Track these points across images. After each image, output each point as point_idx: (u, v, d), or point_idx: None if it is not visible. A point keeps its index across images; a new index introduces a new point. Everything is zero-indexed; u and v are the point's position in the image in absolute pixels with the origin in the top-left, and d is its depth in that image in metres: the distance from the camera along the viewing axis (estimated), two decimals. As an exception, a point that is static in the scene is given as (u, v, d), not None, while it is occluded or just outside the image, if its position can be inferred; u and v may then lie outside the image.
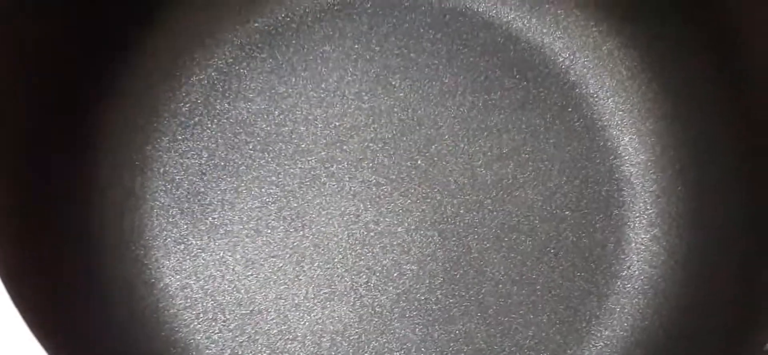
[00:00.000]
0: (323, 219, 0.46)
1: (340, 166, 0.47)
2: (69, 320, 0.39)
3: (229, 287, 0.45)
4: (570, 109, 0.48)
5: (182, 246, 0.46)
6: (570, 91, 0.48)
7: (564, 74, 0.49)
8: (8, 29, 0.38)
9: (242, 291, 0.45)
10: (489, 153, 0.47)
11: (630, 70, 0.48)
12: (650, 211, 0.47)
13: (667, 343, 0.45)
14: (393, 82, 0.48)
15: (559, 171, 0.47)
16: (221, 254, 0.46)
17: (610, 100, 0.49)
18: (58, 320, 0.37)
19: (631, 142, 0.48)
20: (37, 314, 0.35)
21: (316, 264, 0.46)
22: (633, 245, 0.47)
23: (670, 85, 0.48)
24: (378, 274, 0.46)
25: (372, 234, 0.46)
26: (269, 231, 0.46)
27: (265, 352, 0.45)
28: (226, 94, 0.48)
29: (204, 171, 0.47)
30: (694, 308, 0.45)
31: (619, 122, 0.48)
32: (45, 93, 0.41)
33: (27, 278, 0.36)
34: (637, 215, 0.47)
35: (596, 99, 0.49)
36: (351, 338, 0.45)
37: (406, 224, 0.47)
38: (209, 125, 0.47)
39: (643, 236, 0.47)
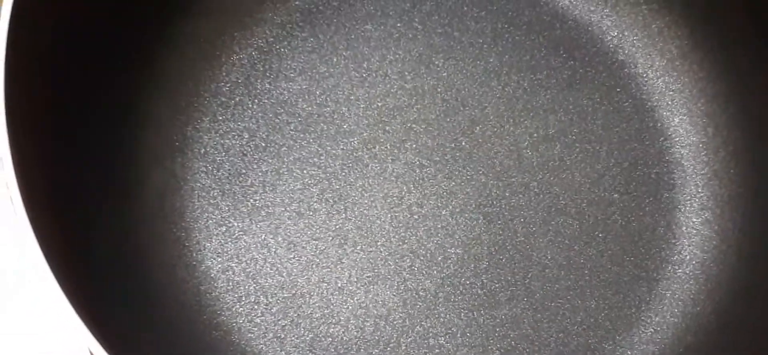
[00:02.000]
0: (366, 201, 0.46)
1: (382, 148, 0.46)
2: (110, 303, 0.39)
3: (271, 269, 0.45)
4: (619, 89, 0.47)
5: (224, 228, 0.45)
6: (619, 70, 0.48)
7: (612, 53, 0.48)
8: (51, 8, 0.38)
9: (284, 274, 0.45)
10: (535, 134, 0.47)
11: (680, 49, 0.48)
12: (702, 194, 0.46)
13: (719, 329, 0.44)
14: (436, 62, 0.47)
15: (608, 153, 0.47)
16: (263, 237, 0.45)
17: (659, 80, 0.48)
18: (99, 304, 0.37)
19: (682, 123, 0.47)
20: (79, 298, 0.34)
21: (359, 247, 0.45)
22: (684, 228, 0.46)
23: (722, 65, 0.47)
24: (422, 258, 0.45)
25: (416, 217, 0.46)
26: (311, 213, 0.45)
27: (307, 336, 0.44)
28: (267, 74, 0.47)
29: (245, 152, 0.46)
30: (746, 294, 0.44)
31: (670, 103, 0.47)
32: (85, 75, 0.41)
33: (68, 261, 0.36)
34: (688, 198, 0.46)
35: (646, 79, 0.48)
36: (395, 322, 0.44)
37: (451, 207, 0.46)
38: (250, 106, 0.47)
39: (694, 220, 0.46)
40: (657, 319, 0.45)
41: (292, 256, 0.45)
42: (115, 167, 0.43)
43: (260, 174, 0.46)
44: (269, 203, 0.46)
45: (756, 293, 0.44)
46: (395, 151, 0.46)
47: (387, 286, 0.45)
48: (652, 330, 0.45)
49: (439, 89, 0.47)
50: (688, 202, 0.47)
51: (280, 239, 0.45)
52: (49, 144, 0.39)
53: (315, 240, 0.45)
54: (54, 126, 0.39)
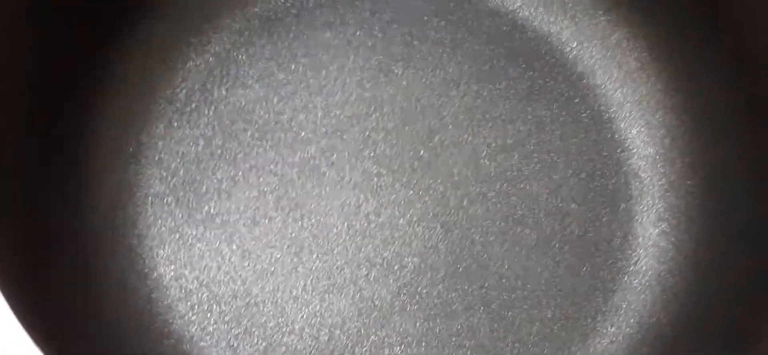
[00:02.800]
0: (322, 210, 0.45)
1: (340, 156, 0.46)
2: (59, 310, 0.38)
3: (224, 277, 0.44)
4: (577, 101, 0.47)
5: (177, 236, 0.45)
6: (577, 81, 0.48)
7: (571, 64, 0.48)
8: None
9: (238, 282, 0.44)
10: (493, 144, 0.47)
11: (639, 60, 0.48)
12: (658, 205, 0.47)
13: (674, 340, 0.44)
14: (395, 71, 0.47)
15: (566, 163, 0.46)
16: (217, 244, 0.45)
17: (618, 92, 0.48)
18: (46, 310, 0.36)
19: (640, 134, 0.47)
20: (24, 305, 0.34)
21: (315, 256, 0.45)
22: (640, 239, 0.46)
23: (680, 77, 0.47)
24: (378, 266, 0.45)
25: (373, 226, 0.45)
26: (267, 221, 0.45)
27: (261, 345, 0.44)
28: (224, 81, 0.47)
29: (200, 159, 0.46)
30: (702, 305, 0.44)
31: (628, 114, 0.47)
32: (35, 76, 0.40)
33: (14, 267, 0.35)
34: (645, 209, 0.46)
35: (604, 90, 0.48)
36: (350, 331, 0.44)
37: (408, 216, 0.46)
38: (206, 112, 0.46)
39: (651, 231, 0.46)
40: (612, 330, 0.45)
41: (246, 264, 0.45)
42: (66, 173, 0.43)
43: (215, 181, 0.45)
44: (224, 211, 0.45)
45: (711, 305, 0.44)
46: (353, 159, 0.46)
47: (342, 295, 0.45)
48: (607, 341, 0.45)
49: (397, 98, 0.47)
50: (645, 213, 0.46)
51: (234, 246, 0.45)
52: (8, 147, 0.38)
53: (270, 248, 0.45)
54: (1, 131, 0.38)
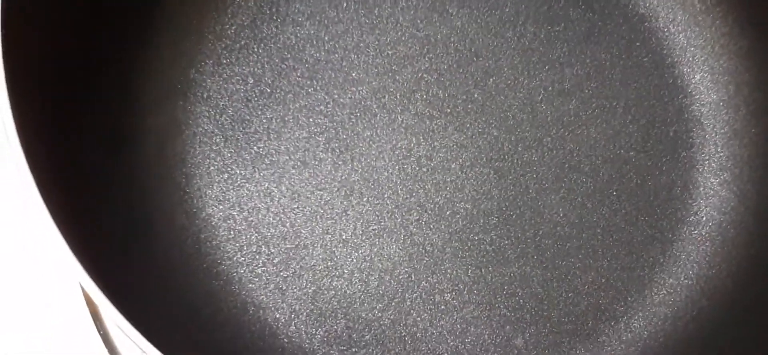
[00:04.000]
0: (373, 152, 0.44)
1: (392, 98, 0.45)
2: (108, 248, 0.38)
3: (273, 219, 0.44)
4: (638, 44, 0.46)
5: (226, 175, 0.44)
6: (639, 24, 0.46)
7: (633, 6, 0.46)
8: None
9: (287, 224, 0.44)
10: (550, 88, 0.45)
11: (703, 3, 0.46)
12: (721, 154, 0.45)
13: (734, 293, 0.43)
14: (450, 10, 0.46)
15: (625, 109, 0.45)
16: (266, 185, 0.44)
17: (681, 35, 0.46)
18: (98, 248, 0.36)
19: (703, 80, 0.46)
20: (78, 241, 0.33)
21: (365, 199, 0.44)
22: (701, 189, 0.45)
23: (746, 21, 0.45)
24: (430, 211, 0.44)
25: (424, 170, 0.44)
26: (316, 163, 0.44)
27: (310, 288, 0.43)
28: (274, 18, 0.45)
29: (249, 98, 0.45)
30: (763, 257, 0.43)
31: (691, 59, 0.46)
32: (86, 17, 0.39)
33: (67, 206, 0.35)
34: (707, 157, 0.45)
35: (666, 34, 0.46)
36: (400, 277, 0.43)
37: (461, 161, 0.44)
38: (255, 50, 0.45)
39: (712, 181, 0.45)
40: (670, 281, 0.44)
41: (295, 206, 0.44)
42: (116, 111, 0.42)
43: (265, 121, 0.45)
44: (273, 151, 0.44)
45: (774, 257, 0.43)
46: (405, 101, 0.45)
47: (393, 239, 0.44)
48: (664, 292, 0.44)
49: (452, 39, 0.46)
50: (707, 162, 0.45)
51: (283, 188, 0.44)
52: (49, 89, 0.38)
53: (320, 191, 0.44)
54: (54, 71, 0.38)
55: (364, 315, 0.43)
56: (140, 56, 0.43)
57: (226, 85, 0.45)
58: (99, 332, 0.43)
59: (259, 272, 0.43)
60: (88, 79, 0.40)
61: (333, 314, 0.43)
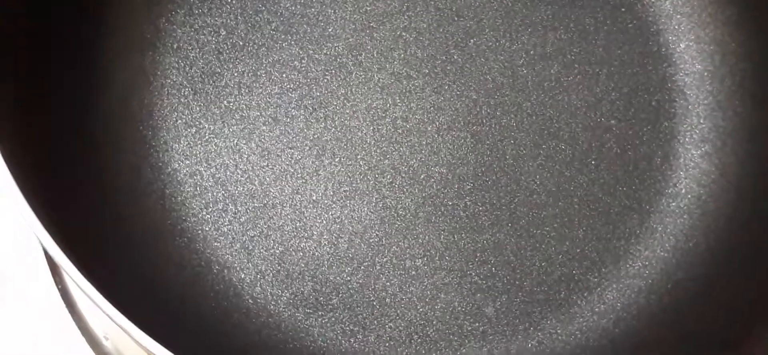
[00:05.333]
0: (347, 111, 0.43)
1: (368, 55, 0.44)
2: (69, 200, 0.37)
3: (242, 177, 0.43)
4: (623, 10, 0.45)
5: (194, 130, 0.43)
6: (625, -12, 0.45)
7: (619, -30, 0.45)
8: None
9: (256, 183, 0.43)
10: (532, 51, 0.44)
11: (692, -31, 0.45)
12: (703, 125, 0.45)
13: (712, 267, 0.43)
14: (431, -33, 0.45)
15: (607, 76, 0.44)
16: (235, 141, 0.43)
17: (667, 2, 0.45)
18: (58, 200, 0.35)
19: (688, 49, 0.45)
20: (37, 190, 0.33)
21: (337, 159, 0.43)
22: (681, 160, 0.44)
23: (736, -11, 0.44)
24: (403, 174, 0.43)
25: (399, 131, 0.43)
26: (288, 120, 0.43)
27: (277, 249, 0.42)
28: (249, -32, 0.44)
29: (221, 50, 0.44)
30: (743, 232, 0.43)
31: (677, 27, 0.45)
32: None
33: (28, 155, 0.34)
34: (689, 129, 0.45)
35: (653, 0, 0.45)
36: (370, 240, 0.42)
37: (437, 123, 0.44)
38: (229, 0, 0.44)
39: (693, 152, 0.44)
40: (646, 253, 0.43)
41: (265, 164, 0.43)
42: (82, 59, 0.41)
43: (236, 75, 0.44)
44: (244, 106, 0.43)
45: (752, 231, 0.42)
46: (382, 59, 0.44)
47: (365, 202, 0.43)
48: (640, 264, 0.43)
49: (432, -3, 0.45)
50: (689, 133, 0.45)
51: (253, 145, 0.43)
52: (15, 30, 0.36)
53: (290, 149, 0.43)
54: (18, 15, 0.36)
55: (332, 278, 0.42)
56: (108, 4, 0.42)
57: (197, 36, 0.44)
58: (57, 286, 0.42)
59: (225, 230, 0.42)
60: (54, 24, 0.39)
61: (300, 276, 0.42)
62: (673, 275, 0.43)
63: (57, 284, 0.42)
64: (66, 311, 0.42)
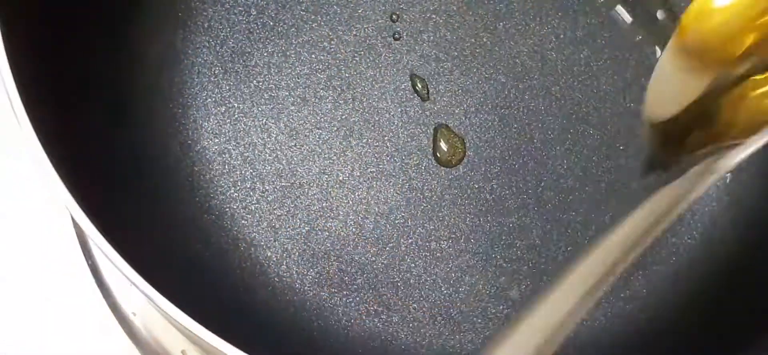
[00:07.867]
0: (376, 93, 0.43)
1: (397, 37, 0.44)
2: (99, 175, 0.37)
3: (270, 156, 0.43)
4: (656, -5, 0.45)
5: (223, 108, 0.43)
6: (657, -26, 0.45)
7: (652, -44, 0.45)
8: None
9: (284, 162, 0.43)
10: (562, 35, 0.44)
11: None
12: (734, 113, 0.44)
13: (739, 254, 0.43)
14: (462, -51, 0.45)
15: (637, 62, 0.44)
16: (264, 121, 0.43)
17: (699, -12, 0.44)
18: (89, 175, 0.35)
19: (719, 35, 0.44)
20: (67, 167, 0.33)
21: (364, 140, 0.43)
22: (712, 147, 0.43)
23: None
24: (430, 156, 0.43)
25: (427, 113, 0.43)
26: (317, 100, 0.43)
27: (303, 228, 0.42)
28: (280, -52, 0.44)
29: (251, 30, 0.44)
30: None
31: (709, 13, 0.44)
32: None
33: (60, 131, 0.34)
34: (719, 116, 0.44)
35: (686, -14, 0.45)
36: (396, 221, 0.43)
37: (465, 106, 0.44)
38: (260, -20, 0.44)
39: (723, 140, 0.43)
40: (673, 239, 0.43)
41: (293, 144, 0.43)
42: (113, 36, 0.41)
43: (266, 54, 0.44)
44: (273, 86, 0.43)
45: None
46: (411, 41, 0.44)
47: (391, 183, 0.43)
48: (666, 251, 0.43)
49: (462, -21, 0.44)
50: (719, 120, 0.44)
51: (281, 124, 0.43)
52: (45, 11, 0.36)
53: (318, 129, 0.43)
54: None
55: (357, 258, 0.42)
56: (141, -19, 0.42)
57: (228, 16, 0.44)
58: (87, 262, 0.43)
59: (253, 208, 0.43)
60: (86, 2, 0.39)
61: (325, 256, 0.42)
62: (700, 261, 0.43)
63: (87, 260, 0.43)
64: (96, 288, 0.43)
